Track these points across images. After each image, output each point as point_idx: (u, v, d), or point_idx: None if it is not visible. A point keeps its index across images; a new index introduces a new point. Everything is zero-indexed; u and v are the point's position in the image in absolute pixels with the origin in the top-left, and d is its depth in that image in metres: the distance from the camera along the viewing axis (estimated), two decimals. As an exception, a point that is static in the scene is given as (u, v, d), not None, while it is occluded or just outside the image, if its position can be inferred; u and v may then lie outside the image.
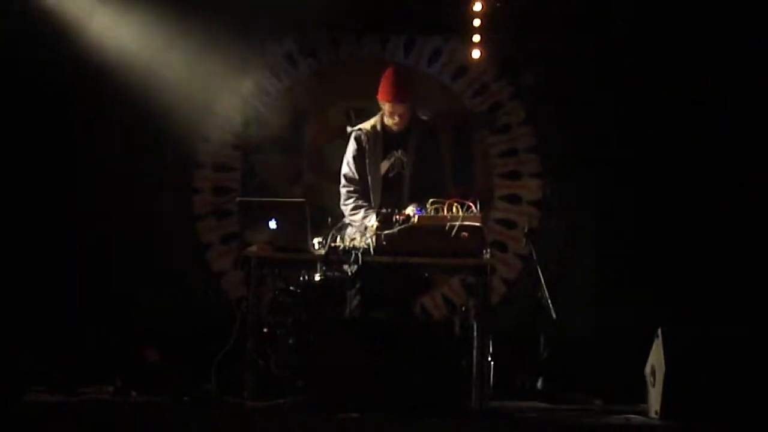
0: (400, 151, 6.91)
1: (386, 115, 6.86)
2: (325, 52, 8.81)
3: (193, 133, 8.66)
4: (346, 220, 6.82)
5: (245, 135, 8.77)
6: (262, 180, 8.67)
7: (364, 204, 6.84)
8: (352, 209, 6.85)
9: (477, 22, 8.21)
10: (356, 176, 6.91)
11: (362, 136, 6.93)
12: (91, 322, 7.96)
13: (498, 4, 8.12)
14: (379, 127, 6.92)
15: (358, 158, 6.93)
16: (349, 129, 7.04)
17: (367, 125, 6.96)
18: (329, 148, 8.76)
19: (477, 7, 8.14)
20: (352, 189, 6.91)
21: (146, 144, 8.49)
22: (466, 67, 8.69)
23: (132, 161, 8.43)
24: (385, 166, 6.93)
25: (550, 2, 8.26)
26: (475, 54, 8.34)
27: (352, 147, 6.96)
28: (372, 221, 6.52)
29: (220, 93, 8.71)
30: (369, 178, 6.90)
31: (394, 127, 6.87)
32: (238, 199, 6.84)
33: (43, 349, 6.82)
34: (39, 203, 8.23)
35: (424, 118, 7.04)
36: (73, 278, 8.15)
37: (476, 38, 8.27)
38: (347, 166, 6.96)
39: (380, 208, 6.64)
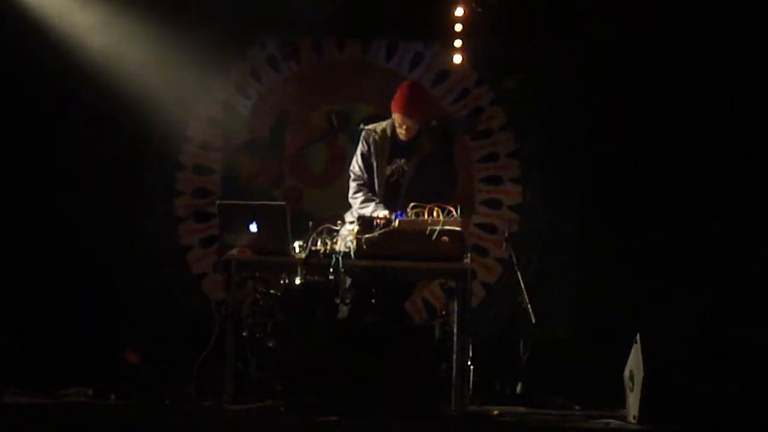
0: (402, 160, 6.94)
1: (396, 125, 6.90)
2: (307, 55, 8.81)
3: (174, 135, 8.65)
4: (354, 213, 6.83)
5: (226, 137, 8.76)
6: (243, 183, 8.67)
7: (374, 198, 6.88)
8: (363, 202, 6.88)
9: (458, 27, 8.22)
10: (364, 174, 6.97)
11: (371, 137, 6.99)
12: (71, 323, 7.94)
13: (479, 10, 8.13)
14: (389, 131, 6.96)
15: (366, 157, 6.98)
16: (361, 126, 7.09)
17: (378, 127, 7.01)
18: (310, 151, 8.78)
19: (459, 12, 8.15)
20: (361, 183, 6.97)
21: (127, 146, 8.47)
22: (447, 72, 8.71)
23: (112, 163, 8.41)
24: (388, 170, 6.96)
25: (530, 8, 8.28)
26: (457, 59, 8.35)
27: (361, 145, 7.02)
28: (383, 213, 6.56)
29: (202, 95, 8.69)
30: (375, 177, 6.95)
31: (401, 137, 6.91)
32: (218, 202, 6.82)
33: (21, 351, 6.79)
34: (18, 205, 8.19)
35: (434, 124, 7.09)
36: (53, 280, 8.12)
37: (458, 43, 8.28)
38: (356, 163, 7.01)
39: None
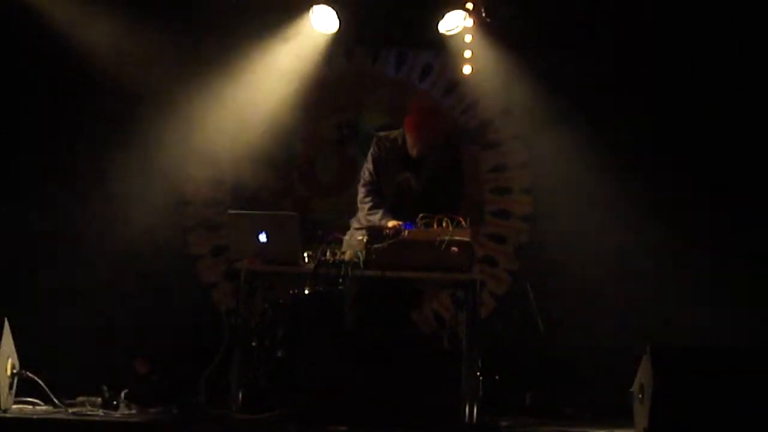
0: (410, 173, 6.95)
1: (407, 143, 6.92)
2: (316, 65, 8.79)
3: (183, 144, 8.65)
4: (361, 219, 6.84)
5: (236, 147, 8.75)
6: (253, 192, 8.66)
7: (382, 205, 6.89)
8: (371, 208, 6.89)
9: (468, 38, 8.22)
10: (374, 178, 7.01)
11: (383, 143, 7.04)
12: (79, 332, 7.94)
13: (489, 20, 8.13)
14: (400, 141, 7.00)
15: (377, 161, 7.03)
16: (373, 131, 7.12)
17: (391, 135, 7.07)
18: (320, 160, 8.77)
19: (468, 22, 8.15)
20: (371, 187, 6.99)
21: (136, 155, 8.47)
22: (456, 82, 8.70)
23: (122, 172, 8.41)
24: (396, 180, 6.98)
25: (540, 18, 8.28)
26: (466, 70, 8.34)
27: (373, 149, 7.07)
28: (391, 223, 6.57)
29: (212, 104, 8.69)
30: (385, 183, 6.97)
31: (412, 154, 6.93)
32: (228, 211, 6.83)
33: (28, 361, 6.78)
34: (26, 211, 8.20)
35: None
36: (61, 289, 8.12)
37: (467, 54, 8.28)
38: (366, 168, 7.06)
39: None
